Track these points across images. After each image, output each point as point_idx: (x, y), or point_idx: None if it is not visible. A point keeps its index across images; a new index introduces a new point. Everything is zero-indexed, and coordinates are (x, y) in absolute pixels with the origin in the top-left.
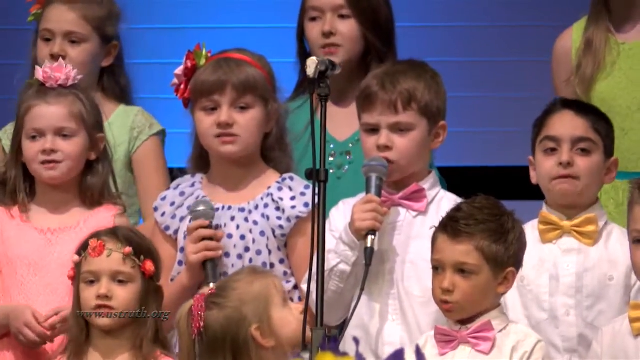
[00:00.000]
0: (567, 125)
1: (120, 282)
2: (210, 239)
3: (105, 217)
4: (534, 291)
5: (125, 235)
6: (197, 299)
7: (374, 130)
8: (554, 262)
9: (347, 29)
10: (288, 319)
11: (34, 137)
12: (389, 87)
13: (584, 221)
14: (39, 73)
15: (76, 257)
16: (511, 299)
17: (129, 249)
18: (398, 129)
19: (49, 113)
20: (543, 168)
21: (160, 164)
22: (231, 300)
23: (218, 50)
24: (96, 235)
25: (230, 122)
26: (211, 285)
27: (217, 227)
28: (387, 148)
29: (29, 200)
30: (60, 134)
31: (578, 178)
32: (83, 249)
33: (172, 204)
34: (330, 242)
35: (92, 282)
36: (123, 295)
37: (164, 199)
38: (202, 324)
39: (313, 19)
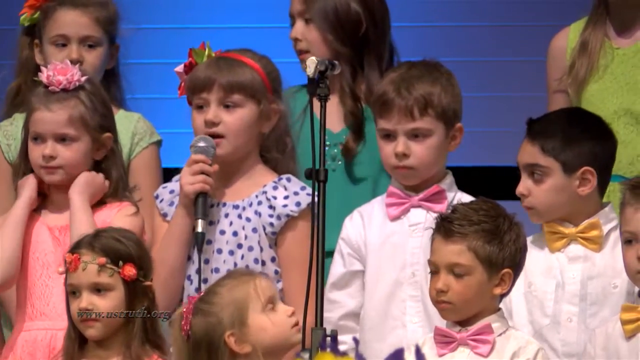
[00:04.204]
0: (522, 151)
1: (101, 292)
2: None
3: (108, 214)
4: (539, 297)
5: (103, 244)
6: (189, 302)
7: (390, 135)
8: (560, 269)
9: (311, 33)
10: (264, 325)
11: (35, 139)
12: (405, 93)
13: (588, 227)
14: (43, 76)
15: (61, 269)
16: (517, 304)
17: (102, 260)
18: (415, 135)
19: (49, 118)
20: None
21: (155, 175)
22: (213, 305)
23: (223, 50)
24: (76, 246)
25: (216, 121)
26: (200, 222)
27: (211, 222)
28: (404, 155)
29: (39, 202)
30: (60, 140)
31: (533, 207)
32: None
33: (172, 191)
34: (336, 254)
35: (74, 293)
36: (104, 305)
37: (165, 187)
38: (188, 327)
39: (292, 25)
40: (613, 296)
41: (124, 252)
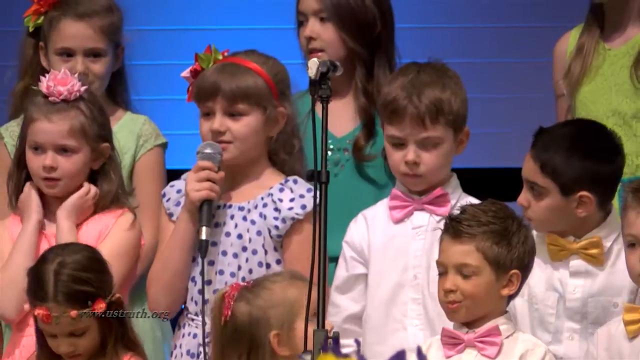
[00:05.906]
0: (525, 164)
1: (79, 334)
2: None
3: (109, 222)
4: (541, 310)
5: (66, 294)
6: (233, 287)
7: (400, 143)
8: (562, 282)
9: (327, 32)
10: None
11: (36, 149)
12: (416, 101)
13: (589, 244)
14: (43, 85)
15: (27, 307)
16: (521, 317)
17: (74, 312)
18: (426, 144)
19: (50, 130)
20: None
21: (158, 177)
22: (262, 299)
23: (230, 51)
24: (41, 299)
25: (222, 130)
26: (204, 229)
27: (217, 224)
28: (415, 164)
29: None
30: (60, 151)
31: (532, 220)
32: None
33: (179, 191)
34: (340, 257)
35: (54, 335)
36: (84, 344)
37: (172, 186)
38: (229, 312)
39: (301, 23)
40: (614, 315)
41: (88, 291)
